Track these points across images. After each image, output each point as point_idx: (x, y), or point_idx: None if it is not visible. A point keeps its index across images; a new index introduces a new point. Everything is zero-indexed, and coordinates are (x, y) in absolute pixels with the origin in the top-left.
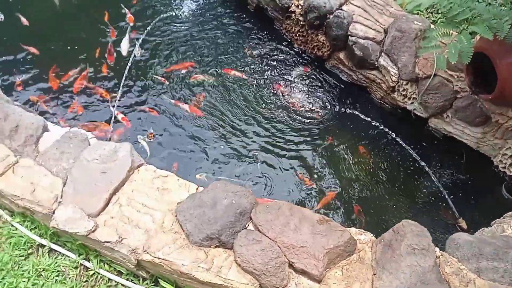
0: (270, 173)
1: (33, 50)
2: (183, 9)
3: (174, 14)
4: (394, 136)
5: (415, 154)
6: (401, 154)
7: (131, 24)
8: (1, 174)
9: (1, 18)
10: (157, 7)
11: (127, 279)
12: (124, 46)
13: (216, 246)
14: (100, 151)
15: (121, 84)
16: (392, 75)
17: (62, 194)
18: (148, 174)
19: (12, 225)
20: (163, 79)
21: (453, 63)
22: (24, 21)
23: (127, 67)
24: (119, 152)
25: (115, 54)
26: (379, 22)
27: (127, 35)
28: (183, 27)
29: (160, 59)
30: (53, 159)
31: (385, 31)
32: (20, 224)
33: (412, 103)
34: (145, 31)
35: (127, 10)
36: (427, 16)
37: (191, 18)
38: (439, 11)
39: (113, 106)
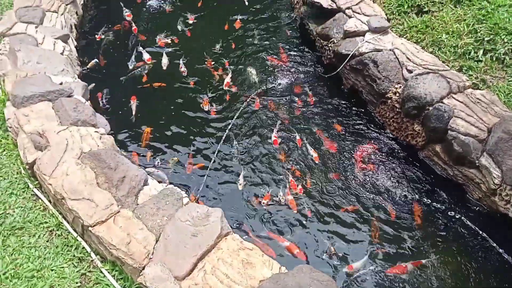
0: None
1: None
2: (278, 82)
3: (270, 86)
4: (494, 244)
5: None
6: (500, 264)
7: None
8: (104, 222)
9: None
10: (254, 81)
11: None
12: None
13: None
14: (193, 213)
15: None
16: (494, 178)
17: (154, 251)
18: (234, 244)
19: (101, 272)
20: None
21: None
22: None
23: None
24: (210, 217)
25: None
26: (482, 120)
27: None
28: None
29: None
30: (150, 214)
31: (489, 130)
32: (109, 272)
33: None
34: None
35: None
36: None
37: (284, 92)
38: None
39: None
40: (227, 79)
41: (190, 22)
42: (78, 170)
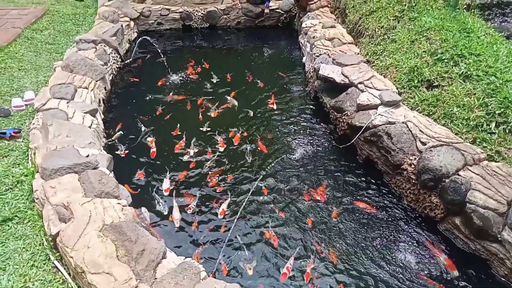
0: None
1: None
2: (295, 155)
3: (286, 157)
4: None
5: None
6: None
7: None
8: None
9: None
10: (275, 152)
11: None
12: None
13: None
14: None
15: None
16: None
17: None
18: None
19: None
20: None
21: None
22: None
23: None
24: None
25: None
26: (501, 193)
27: None
28: (292, 170)
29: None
30: None
31: (508, 204)
32: None
33: None
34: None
35: None
36: None
37: (301, 162)
38: None
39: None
40: (224, 206)
41: (221, 150)
42: (99, 243)
